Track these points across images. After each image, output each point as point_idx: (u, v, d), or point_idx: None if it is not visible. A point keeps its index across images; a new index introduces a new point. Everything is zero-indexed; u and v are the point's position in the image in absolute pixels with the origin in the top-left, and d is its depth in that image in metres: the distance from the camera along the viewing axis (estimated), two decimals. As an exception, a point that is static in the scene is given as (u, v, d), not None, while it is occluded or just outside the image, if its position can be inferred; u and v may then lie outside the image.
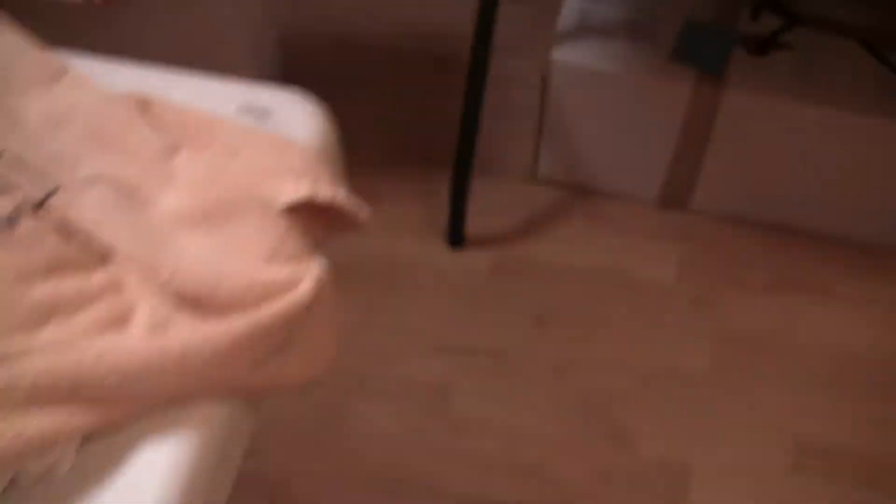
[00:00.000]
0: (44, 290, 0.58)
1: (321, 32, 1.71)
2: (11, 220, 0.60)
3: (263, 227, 0.63)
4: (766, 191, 1.43)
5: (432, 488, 1.22)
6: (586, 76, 1.37)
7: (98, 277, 0.60)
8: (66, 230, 0.61)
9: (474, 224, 1.44)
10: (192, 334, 0.57)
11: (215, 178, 0.66)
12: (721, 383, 1.31)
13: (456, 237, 1.43)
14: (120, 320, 0.58)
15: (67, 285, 0.59)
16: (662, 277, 1.40)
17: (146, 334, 0.57)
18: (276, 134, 0.71)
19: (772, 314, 1.37)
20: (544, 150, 1.48)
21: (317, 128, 0.74)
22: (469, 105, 1.28)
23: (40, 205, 0.62)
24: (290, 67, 1.61)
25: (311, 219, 0.68)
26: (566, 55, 1.37)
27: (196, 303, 0.59)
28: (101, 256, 0.61)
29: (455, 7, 1.58)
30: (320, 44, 1.69)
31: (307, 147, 0.71)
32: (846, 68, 1.36)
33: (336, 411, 1.28)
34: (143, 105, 0.70)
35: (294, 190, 0.65)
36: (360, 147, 1.52)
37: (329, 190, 0.67)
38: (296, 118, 0.74)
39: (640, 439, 1.26)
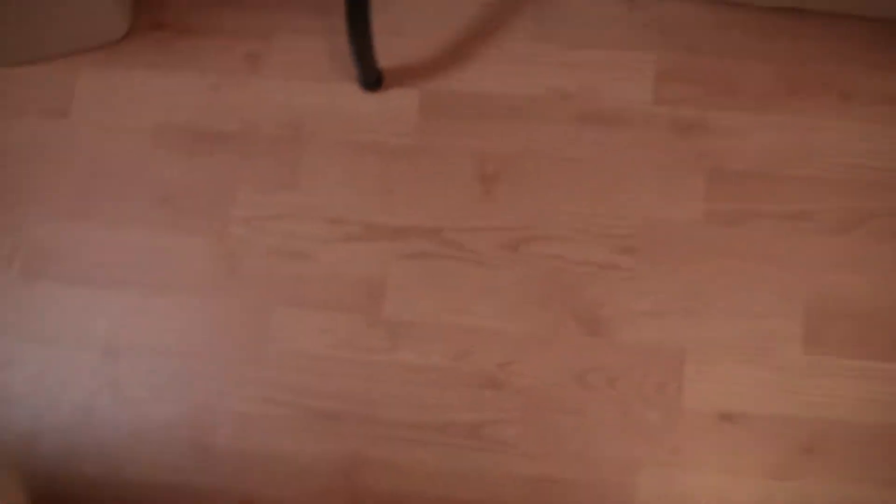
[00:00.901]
0: None
1: None
2: None
3: None
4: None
5: (374, 419, 1.04)
6: None
7: None
8: None
9: (389, 51, 1.14)
10: None
11: None
12: (718, 236, 1.07)
13: (368, 76, 1.12)
14: None
15: None
16: (637, 98, 1.12)
17: None
18: None
19: (775, 134, 1.10)
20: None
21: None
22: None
23: None
24: None
25: None
26: None
27: None
28: None
29: None
30: None
31: None
32: None
33: (258, 322, 1.08)
34: None
35: None
36: None
37: None
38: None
39: (619, 323, 1.05)
